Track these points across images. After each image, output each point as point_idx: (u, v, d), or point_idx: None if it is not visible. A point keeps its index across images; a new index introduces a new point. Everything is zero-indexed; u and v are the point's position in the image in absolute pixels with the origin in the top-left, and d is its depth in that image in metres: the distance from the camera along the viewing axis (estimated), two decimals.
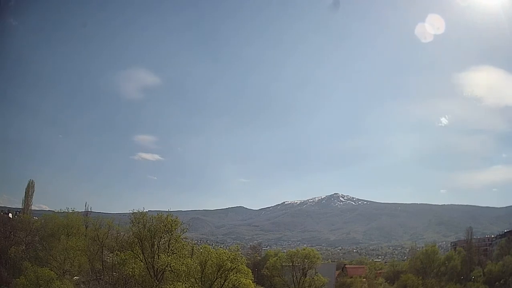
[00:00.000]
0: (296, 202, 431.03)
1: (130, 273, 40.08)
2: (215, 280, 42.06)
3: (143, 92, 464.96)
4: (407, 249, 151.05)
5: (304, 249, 68.22)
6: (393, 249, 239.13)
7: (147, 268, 41.02)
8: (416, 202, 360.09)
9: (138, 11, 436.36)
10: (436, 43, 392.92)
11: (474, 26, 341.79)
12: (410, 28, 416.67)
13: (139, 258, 41.81)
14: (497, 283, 73.71)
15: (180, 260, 40.87)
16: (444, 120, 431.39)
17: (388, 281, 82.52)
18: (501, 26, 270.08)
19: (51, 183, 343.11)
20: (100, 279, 47.95)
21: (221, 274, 42.10)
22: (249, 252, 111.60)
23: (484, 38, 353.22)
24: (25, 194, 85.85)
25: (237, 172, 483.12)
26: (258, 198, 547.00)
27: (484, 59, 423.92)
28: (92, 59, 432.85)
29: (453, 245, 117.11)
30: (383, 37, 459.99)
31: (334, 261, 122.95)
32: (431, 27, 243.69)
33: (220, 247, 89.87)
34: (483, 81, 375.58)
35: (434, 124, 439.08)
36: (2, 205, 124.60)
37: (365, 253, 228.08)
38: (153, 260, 41.16)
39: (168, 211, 44.83)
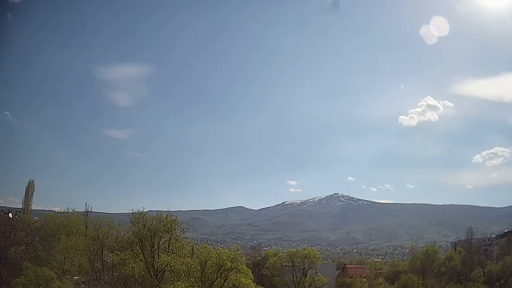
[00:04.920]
0: (296, 202, 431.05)
1: (130, 273, 40.12)
2: (215, 280, 42.05)
3: (138, 94, 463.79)
4: (407, 249, 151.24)
5: (304, 249, 68.19)
6: (393, 249, 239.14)
7: (147, 268, 41.03)
8: (416, 202, 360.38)
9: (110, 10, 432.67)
10: (440, 44, 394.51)
11: (479, 26, 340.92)
12: (415, 30, 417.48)
13: (139, 258, 41.85)
14: (497, 283, 73.79)
15: (180, 260, 40.88)
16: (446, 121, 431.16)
17: (388, 281, 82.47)
18: (506, 28, 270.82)
19: (52, 184, 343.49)
20: (100, 279, 47.99)
21: (221, 274, 42.09)
22: (249, 252, 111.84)
23: (489, 39, 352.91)
24: (25, 194, 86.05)
25: (237, 172, 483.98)
26: (258, 198, 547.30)
27: (488, 61, 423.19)
28: (89, 62, 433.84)
29: (453, 245, 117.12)
30: (385, 39, 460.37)
31: (334, 261, 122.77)
32: (436, 29, 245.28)
33: (220, 247, 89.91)
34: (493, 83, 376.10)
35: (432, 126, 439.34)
36: (2, 205, 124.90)
37: (365, 253, 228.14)
38: (153, 259, 41.18)
39: (168, 211, 44.92)
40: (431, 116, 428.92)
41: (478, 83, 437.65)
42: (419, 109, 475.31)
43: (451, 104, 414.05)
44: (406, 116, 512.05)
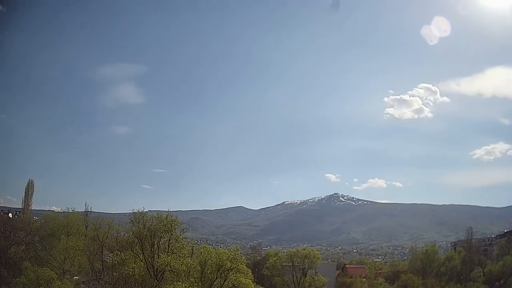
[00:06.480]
0: (296, 202, 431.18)
1: (130, 273, 40.07)
2: (214, 280, 42.04)
3: (138, 95, 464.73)
4: (407, 249, 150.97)
5: (304, 249, 68.10)
6: (393, 249, 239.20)
7: (147, 268, 40.99)
8: (416, 202, 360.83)
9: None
10: (436, 45, 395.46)
11: (481, 26, 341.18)
12: (407, 31, 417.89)
13: (139, 258, 41.81)
14: (497, 283, 73.76)
15: (180, 260, 40.84)
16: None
17: (388, 281, 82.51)
18: (509, 28, 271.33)
19: (51, 184, 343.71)
20: (100, 279, 47.89)
21: (220, 274, 42.09)
22: (249, 252, 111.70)
23: (492, 39, 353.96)
24: (25, 194, 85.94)
25: (237, 172, 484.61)
26: (258, 198, 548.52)
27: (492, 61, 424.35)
28: (86, 63, 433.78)
29: (453, 245, 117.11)
30: (377, 39, 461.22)
31: (334, 261, 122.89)
32: (437, 29, 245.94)
33: (220, 247, 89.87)
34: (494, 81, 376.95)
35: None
36: (2, 205, 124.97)
37: (365, 253, 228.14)
38: (153, 260, 41.14)
39: (168, 211, 44.87)
40: (424, 113, 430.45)
41: (472, 81, 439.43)
42: (411, 108, 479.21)
43: (442, 102, 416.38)
44: (397, 114, 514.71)
